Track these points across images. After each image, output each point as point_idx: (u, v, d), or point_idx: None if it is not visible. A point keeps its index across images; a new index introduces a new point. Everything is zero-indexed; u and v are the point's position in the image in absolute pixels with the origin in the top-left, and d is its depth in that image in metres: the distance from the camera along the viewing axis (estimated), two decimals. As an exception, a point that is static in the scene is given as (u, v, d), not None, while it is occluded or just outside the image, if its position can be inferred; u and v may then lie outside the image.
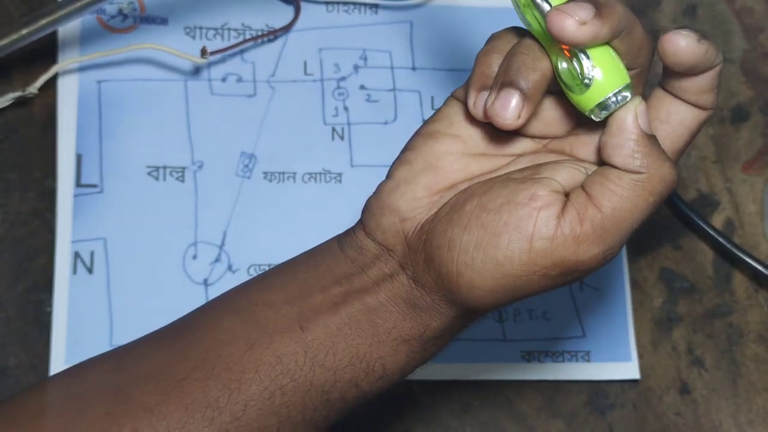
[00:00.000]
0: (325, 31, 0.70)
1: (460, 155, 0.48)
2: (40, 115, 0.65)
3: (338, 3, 0.71)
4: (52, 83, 0.65)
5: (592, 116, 0.45)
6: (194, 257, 0.64)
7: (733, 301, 0.71)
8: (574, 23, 0.43)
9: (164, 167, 0.65)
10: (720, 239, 0.71)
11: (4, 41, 0.61)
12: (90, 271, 0.63)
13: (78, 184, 0.64)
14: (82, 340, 0.62)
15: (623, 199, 0.45)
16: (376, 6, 0.71)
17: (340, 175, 0.67)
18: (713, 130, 0.74)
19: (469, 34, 0.72)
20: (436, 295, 0.47)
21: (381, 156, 0.68)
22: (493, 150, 0.49)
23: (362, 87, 0.69)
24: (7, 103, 0.64)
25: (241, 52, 0.68)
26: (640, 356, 0.68)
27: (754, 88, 0.76)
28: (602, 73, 0.44)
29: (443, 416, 0.65)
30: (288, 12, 0.70)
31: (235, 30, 0.69)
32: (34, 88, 0.64)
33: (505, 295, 0.46)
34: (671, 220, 0.72)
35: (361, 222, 0.50)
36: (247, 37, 0.68)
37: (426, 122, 0.50)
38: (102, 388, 0.48)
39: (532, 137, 0.49)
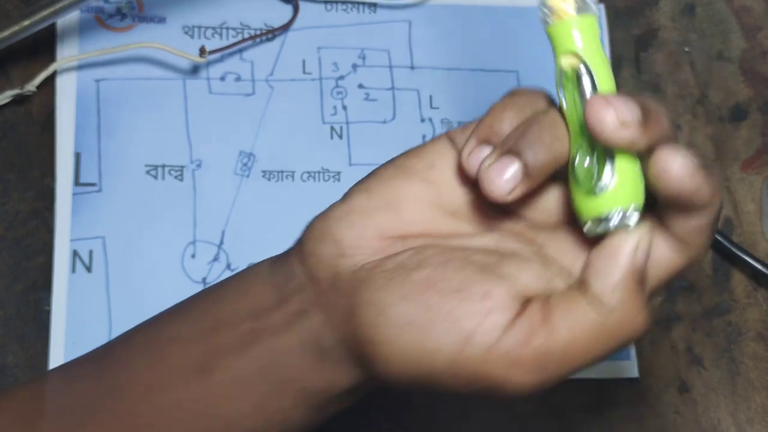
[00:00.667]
0: (324, 30, 0.70)
1: (427, 205, 0.43)
2: (39, 114, 0.65)
3: (337, 2, 0.71)
4: (50, 82, 0.65)
5: (587, 227, 0.40)
6: (193, 256, 0.64)
7: (732, 299, 0.71)
8: (614, 120, 0.38)
9: (163, 166, 0.65)
10: (719, 238, 0.71)
11: (4, 33, 0.61)
12: (89, 269, 0.63)
13: (77, 182, 0.63)
14: (81, 338, 0.61)
15: (583, 334, 0.39)
16: (374, 5, 0.71)
17: (338, 173, 0.67)
18: (712, 129, 0.75)
19: (467, 33, 0.72)
20: (346, 353, 0.42)
21: (379, 155, 0.67)
22: (465, 213, 0.43)
23: (361, 86, 0.69)
24: (6, 101, 0.64)
25: (240, 51, 0.68)
26: (639, 355, 0.68)
27: (752, 87, 0.76)
28: (619, 184, 0.39)
29: (442, 416, 0.65)
30: (287, 11, 0.70)
31: (233, 29, 0.69)
32: (32, 86, 0.64)
33: (418, 383, 0.40)
34: (670, 219, 0.72)
35: (299, 242, 0.45)
36: (246, 36, 0.68)
37: (405, 153, 0.44)
38: (17, 419, 0.46)
39: (512, 214, 0.43)
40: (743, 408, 0.69)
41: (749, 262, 0.70)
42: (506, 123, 0.41)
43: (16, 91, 0.64)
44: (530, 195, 0.42)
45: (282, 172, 0.67)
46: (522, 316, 0.39)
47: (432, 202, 0.43)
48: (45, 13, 0.61)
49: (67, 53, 0.66)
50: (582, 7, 0.40)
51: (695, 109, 0.75)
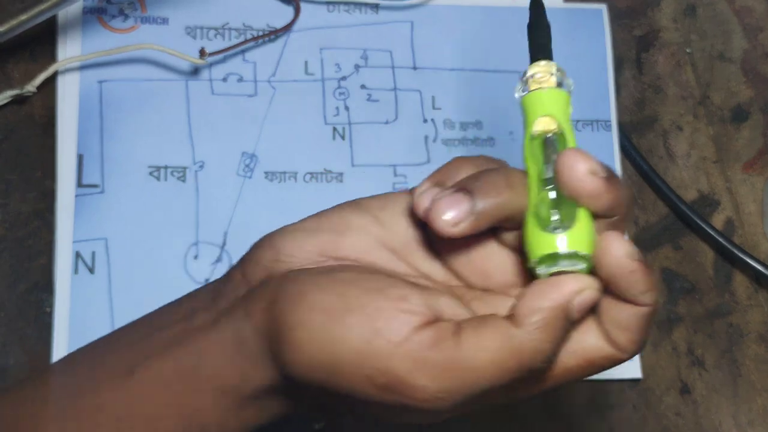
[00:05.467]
0: (326, 30, 0.70)
1: (371, 237, 0.44)
2: (40, 116, 0.65)
3: (339, 3, 0.71)
4: (52, 84, 0.65)
5: (534, 263, 0.41)
6: (195, 257, 0.64)
7: (734, 301, 0.71)
8: (585, 168, 0.40)
9: (165, 167, 0.65)
10: (720, 239, 0.71)
11: (2, 28, 0.61)
12: (91, 271, 0.62)
13: (79, 184, 0.63)
14: (84, 340, 0.61)
15: (490, 348, 0.39)
16: (376, 6, 0.71)
17: (341, 174, 0.67)
18: (713, 130, 0.75)
19: (470, 33, 0.72)
20: (262, 345, 0.42)
21: (382, 155, 0.68)
22: (404, 253, 0.44)
23: (363, 86, 0.69)
24: (6, 101, 0.64)
25: (242, 51, 0.68)
26: (641, 356, 0.68)
27: (754, 88, 0.76)
28: (576, 228, 0.41)
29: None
30: (289, 12, 0.70)
31: (235, 30, 0.68)
32: (32, 86, 0.64)
33: (321, 377, 0.41)
34: (671, 220, 0.72)
35: (245, 253, 0.46)
36: (248, 37, 0.68)
37: (367, 197, 0.46)
38: None
39: (448, 269, 0.45)
40: (744, 410, 0.69)
41: (751, 264, 0.70)
42: (462, 172, 0.43)
43: (16, 92, 0.64)
44: (470, 251, 0.43)
45: (284, 173, 0.67)
46: (434, 324, 0.40)
47: (376, 236, 0.44)
48: (42, 7, 0.61)
49: (69, 54, 0.65)
50: (561, 83, 0.44)
51: (697, 109, 0.75)
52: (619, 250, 0.40)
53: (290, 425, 0.62)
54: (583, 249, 0.40)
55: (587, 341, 0.42)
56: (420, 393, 0.39)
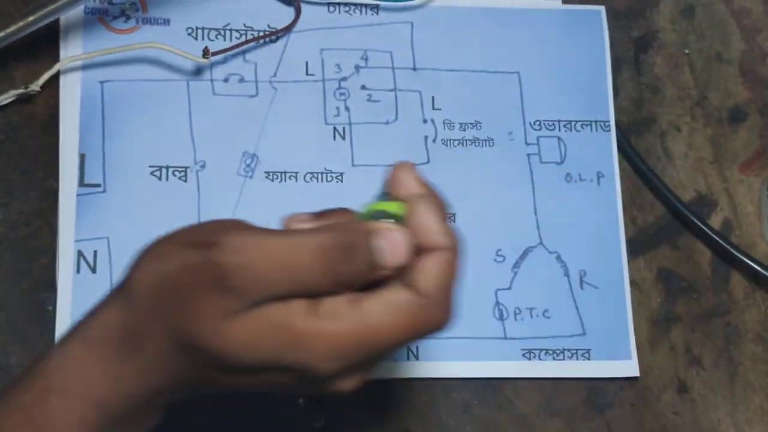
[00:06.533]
0: (327, 31, 0.70)
1: None
2: (42, 116, 0.65)
3: (339, 4, 0.71)
4: (54, 85, 0.65)
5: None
6: (197, 257, 0.64)
7: (731, 300, 0.71)
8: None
9: (167, 167, 0.65)
10: (718, 239, 0.71)
11: (5, 32, 0.61)
12: (93, 270, 0.63)
13: (81, 183, 0.64)
14: (85, 339, 0.62)
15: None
16: (377, 7, 0.71)
17: (341, 174, 0.68)
18: (711, 130, 0.75)
19: (469, 34, 0.72)
20: (162, 323, 0.44)
21: (382, 156, 0.68)
22: None
23: (363, 87, 0.70)
24: (9, 100, 0.64)
25: (243, 52, 0.69)
26: (639, 356, 0.68)
27: (751, 89, 0.76)
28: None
29: (442, 415, 0.65)
30: (290, 13, 0.70)
31: (237, 30, 0.69)
32: (36, 86, 0.64)
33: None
34: (669, 220, 0.72)
35: None
36: (249, 37, 0.68)
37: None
38: None
39: None
40: (742, 408, 0.69)
41: (748, 264, 0.71)
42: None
43: (20, 91, 0.64)
44: None
45: (285, 173, 0.67)
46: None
47: None
48: (44, 11, 0.61)
49: (71, 54, 0.66)
50: None
51: (694, 110, 0.75)
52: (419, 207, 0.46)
53: (290, 424, 0.62)
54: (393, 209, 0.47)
55: (396, 296, 0.45)
56: (320, 358, 0.43)
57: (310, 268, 0.43)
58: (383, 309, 0.44)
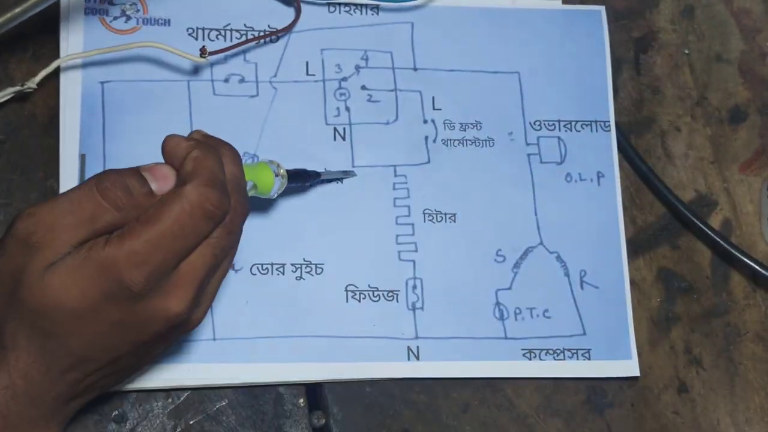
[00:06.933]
0: (327, 31, 0.70)
1: None
2: (42, 116, 0.65)
3: (340, 4, 0.71)
4: (54, 84, 0.65)
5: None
6: (197, 257, 0.64)
7: (731, 300, 0.71)
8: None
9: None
10: (718, 239, 0.71)
11: (5, 16, 0.61)
12: (94, 270, 0.63)
13: (82, 183, 0.64)
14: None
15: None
16: (377, 7, 0.71)
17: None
18: (711, 130, 0.75)
19: (470, 34, 0.72)
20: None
21: (382, 156, 0.68)
22: None
23: (364, 87, 0.70)
24: (7, 97, 0.64)
25: (244, 52, 0.68)
26: (639, 355, 0.68)
27: (751, 89, 0.76)
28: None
29: (442, 415, 0.65)
30: (290, 13, 0.70)
31: (237, 31, 0.69)
32: (33, 83, 0.64)
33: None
34: (669, 221, 0.72)
35: None
36: (250, 37, 0.68)
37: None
38: None
39: None
40: (742, 408, 0.69)
41: (748, 263, 0.71)
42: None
43: (16, 88, 0.64)
44: None
45: (286, 173, 0.67)
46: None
47: None
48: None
49: (70, 53, 0.65)
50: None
51: (694, 110, 0.75)
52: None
53: (289, 420, 0.62)
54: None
55: (166, 196, 0.51)
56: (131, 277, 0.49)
57: (90, 205, 0.49)
58: (161, 207, 0.49)
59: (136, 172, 0.51)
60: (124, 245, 0.48)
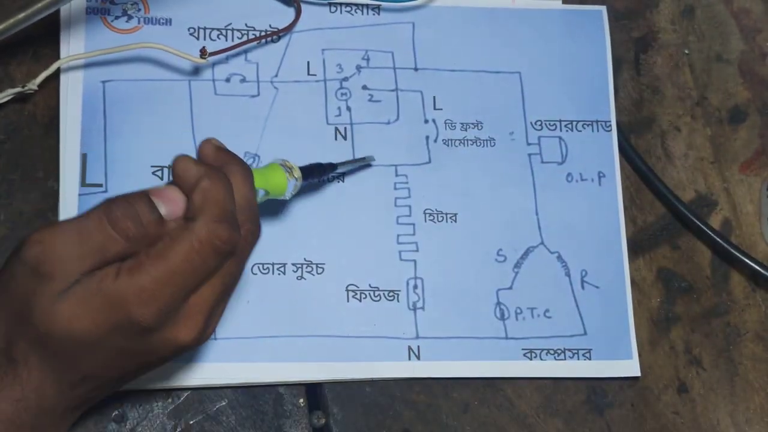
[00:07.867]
0: (328, 31, 0.70)
1: None
2: (42, 116, 0.65)
3: (341, 4, 0.71)
4: (54, 84, 0.65)
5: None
6: (198, 257, 0.64)
7: (731, 300, 0.72)
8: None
9: (169, 167, 0.65)
10: (718, 239, 0.71)
11: (2, 26, 0.61)
12: (95, 270, 0.63)
13: (83, 183, 0.64)
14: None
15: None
16: (378, 7, 0.71)
17: (343, 174, 0.68)
18: (711, 130, 0.75)
19: (471, 34, 0.72)
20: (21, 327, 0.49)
21: (383, 156, 0.68)
22: None
23: (365, 87, 0.70)
24: (8, 98, 0.64)
25: (245, 52, 0.68)
26: (639, 355, 0.68)
27: (751, 89, 0.76)
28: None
29: (442, 416, 0.65)
30: (292, 13, 0.70)
31: (238, 30, 0.69)
32: (33, 84, 0.64)
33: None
34: (669, 221, 0.73)
35: None
36: (251, 37, 0.68)
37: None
38: None
39: None
40: (742, 408, 0.69)
41: (748, 264, 0.71)
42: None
43: (17, 89, 0.64)
44: None
45: (286, 173, 0.67)
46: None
47: None
48: (39, 5, 0.61)
49: (71, 53, 0.65)
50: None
51: (694, 110, 0.75)
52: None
53: (289, 420, 0.62)
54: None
55: (177, 232, 0.50)
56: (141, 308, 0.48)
57: (100, 236, 0.48)
58: (170, 244, 0.49)
59: (145, 197, 0.50)
60: (133, 281, 0.48)
